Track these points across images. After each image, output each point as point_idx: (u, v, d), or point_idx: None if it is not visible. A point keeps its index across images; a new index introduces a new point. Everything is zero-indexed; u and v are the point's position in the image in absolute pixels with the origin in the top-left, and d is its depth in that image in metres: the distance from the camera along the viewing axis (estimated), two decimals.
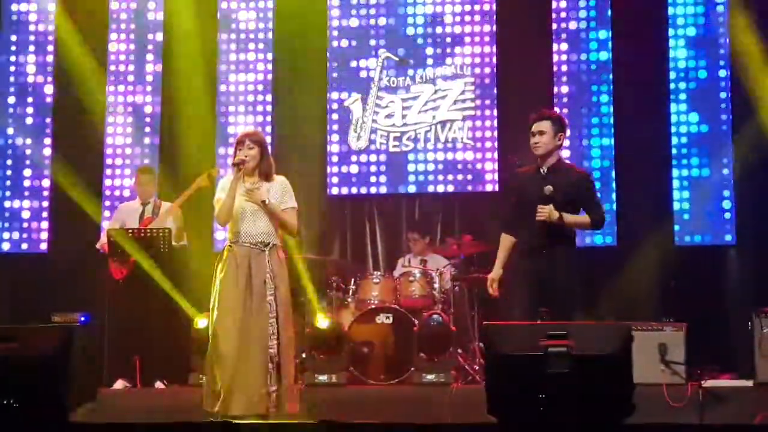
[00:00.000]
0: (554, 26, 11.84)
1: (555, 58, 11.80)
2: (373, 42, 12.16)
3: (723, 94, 11.48)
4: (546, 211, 7.60)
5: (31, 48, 12.26)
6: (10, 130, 12.09)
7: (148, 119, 12.14)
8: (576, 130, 11.56)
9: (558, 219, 7.62)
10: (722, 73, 11.51)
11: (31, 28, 12.30)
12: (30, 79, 12.19)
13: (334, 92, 12.14)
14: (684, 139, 11.46)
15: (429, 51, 12.07)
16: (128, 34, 12.28)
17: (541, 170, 7.86)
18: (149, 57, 12.24)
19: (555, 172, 7.81)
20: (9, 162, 12.10)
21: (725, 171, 11.35)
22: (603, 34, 11.75)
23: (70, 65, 11.98)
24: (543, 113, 8.00)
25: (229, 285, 7.47)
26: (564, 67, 11.79)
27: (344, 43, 12.19)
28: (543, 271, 7.65)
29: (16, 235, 12.02)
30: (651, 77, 11.55)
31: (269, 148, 7.93)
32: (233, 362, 7.28)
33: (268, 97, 12.18)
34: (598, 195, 8.23)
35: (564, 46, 11.82)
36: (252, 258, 7.51)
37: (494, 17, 11.98)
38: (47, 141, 12.11)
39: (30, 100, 12.16)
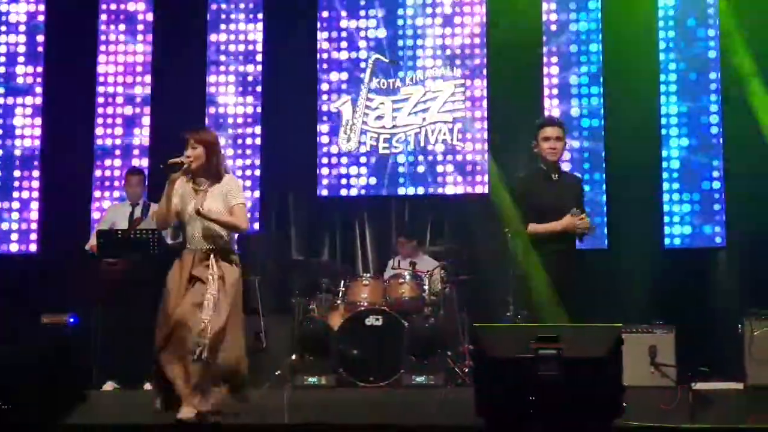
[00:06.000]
0: (544, 28, 11.85)
1: (545, 59, 11.80)
2: (363, 43, 12.18)
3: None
4: (586, 224, 7.68)
5: (21, 48, 12.26)
6: None
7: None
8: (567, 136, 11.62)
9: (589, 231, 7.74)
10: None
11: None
12: (20, 81, 12.18)
13: (324, 95, 12.15)
14: (673, 142, 11.47)
15: (419, 53, 12.07)
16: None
17: (553, 176, 7.84)
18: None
19: (562, 179, 7.87)
20: None
21: (715, 174, 11.36)
22: (594, 47, 11.77)
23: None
24: (556, 119, 8.10)
25: (170, 281, 7.28)
26: (554, 69, 11.79)
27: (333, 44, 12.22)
28: (561, 275, 7.64)
29: (5, 236, 12.01)
30: (640, 78, 11.56)
31: (218, 146, 7.52)
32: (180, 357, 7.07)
33: (258, 100, 12.17)
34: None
35: (554, 49, 11.83)
36: (196, 263, 7.25)
37: (485, 18, 11.99)
38: (36, 143, 12.10)
39: (20, 101, 12.15)
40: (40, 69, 12.21)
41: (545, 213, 7.77)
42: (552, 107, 11.70)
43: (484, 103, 11.90)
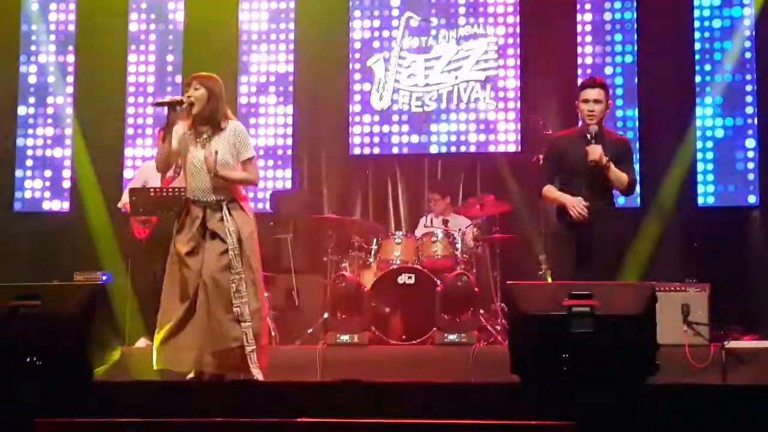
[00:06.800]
0: None
1: (579, 17, 11.71)
2: (395, 1, 12.12)
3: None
4: (598, 153, 7.48)
5: (53, 5, 12.28)
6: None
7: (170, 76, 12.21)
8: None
9: (606, 162, 7.51)
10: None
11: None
12: (52, 38, 12.21)
13: (357, 53, 12.11)
14: (708, 99, 11.38)
15: (452, 10, 11.99)
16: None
17: (588, 136, 7.70)
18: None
19: (600, 141, 7.60)
20: (30, 121, 12.16)
21: (749, 131, 11.28)
22: (628, 4, 11.69)
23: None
24: (597, 80, 7.81)
25: (180, 236, 7.10)
26: (588, 27, 11.70)
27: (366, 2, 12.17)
28: (590, 239, 7.54)
29: (38, 194, 12.07)
30: (675, 37, 11.48)
31: (222, 93, 7.09)
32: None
33: (291, 57, 12.15)
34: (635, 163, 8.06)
35: (588, 6, 11.73)
36: (208, 217, 7.02)
37: None
38: (69, 101, 12.14)
39: (52, 59, 12.18)
40: (72, 28, 12.23)
41: (575, 174, 7.65)
42: (585, 65, 11.62)
43: (517, 61, 11.84)
